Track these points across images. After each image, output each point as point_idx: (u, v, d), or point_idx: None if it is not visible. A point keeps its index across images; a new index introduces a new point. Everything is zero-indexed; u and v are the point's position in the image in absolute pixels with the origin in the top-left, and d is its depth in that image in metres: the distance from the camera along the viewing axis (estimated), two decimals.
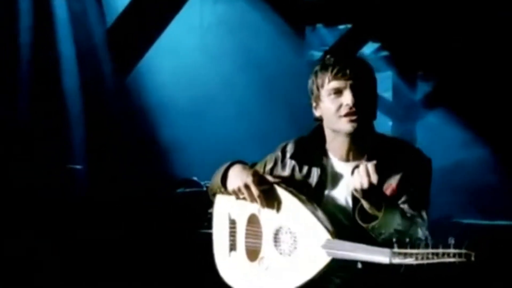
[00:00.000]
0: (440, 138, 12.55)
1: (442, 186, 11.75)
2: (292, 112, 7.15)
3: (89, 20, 6.29)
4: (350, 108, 2.67)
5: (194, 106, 7.80)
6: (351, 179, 2.57)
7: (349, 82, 2.68)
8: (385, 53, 12.94)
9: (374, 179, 2.50)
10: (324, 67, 2.73)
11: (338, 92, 2.70)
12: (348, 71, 2.68)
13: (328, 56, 2.79)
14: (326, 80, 2.71)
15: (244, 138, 7.28)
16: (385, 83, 13.61)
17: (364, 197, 2.56)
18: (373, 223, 2.55)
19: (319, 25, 11.36)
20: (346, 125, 2.70)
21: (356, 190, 2.55)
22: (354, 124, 2.69)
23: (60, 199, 5.80)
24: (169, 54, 7.37)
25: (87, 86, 6.24)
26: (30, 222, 5.67)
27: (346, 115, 2.69)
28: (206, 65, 7.82)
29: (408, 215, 2.64)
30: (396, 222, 2.57)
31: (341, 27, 11.29)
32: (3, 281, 5.22)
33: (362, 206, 2.59)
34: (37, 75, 5.98)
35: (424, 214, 2.75)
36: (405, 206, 2.72)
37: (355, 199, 2.70)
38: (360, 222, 2.59)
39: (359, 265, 2.68)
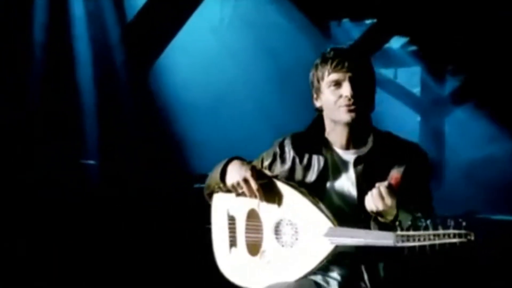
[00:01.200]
0: (468, 133, 12.48)
1: (470, 181, 11.71)
2: (311, 109, 7.12)
3: (105, 16, 6.30)
4: (349, 100, 2.75)
5: (212, 102, 7.81)
6: (366, 201, 2.61)
7: (348, 75, 2.76)
8: (413, 47, 12.86)
9: (388, 201, 2.56)
10: (324, 60, 2.82)
11: (337, 84, 2.78)
12: (346, 64, 2.76)
13: (328, 50, 2.87)
14: (326, 73, 2.80)
15: (262, 134, 7.28)
16: (414, 78, 13.54)
17: (379, 215, 2.61)
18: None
19: (345, 20, 11.33)
20: (345, 115, 2.78)
21: (372, 211, 2.60)
22: (353, 114, 2.77)
23: (72, 195, 5.82)
24: (188, 50, 7.37)
25: (101, 82, 6.25)
26: (40, 218, 5.71)
27: (345, 106, 2.77)
28: (225, 62, 7.81)
29: (418, 214, 2.62)
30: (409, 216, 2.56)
31: (368, 21, 11.22)
32: (14, 277, 5.25)
33: (376, 217, 2.63)
34: (51, 70, 6.00)
35: (431, 208, 2.81)
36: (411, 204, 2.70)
37: (359, 188, 2.76)
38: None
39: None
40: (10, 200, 5.63)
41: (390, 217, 2.59)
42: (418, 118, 13.42)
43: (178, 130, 7.29)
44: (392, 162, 2.77)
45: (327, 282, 2.80)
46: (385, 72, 13.52)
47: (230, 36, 8.01)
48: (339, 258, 2.76)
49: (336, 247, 2.68)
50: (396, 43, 12.82)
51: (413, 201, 2.66)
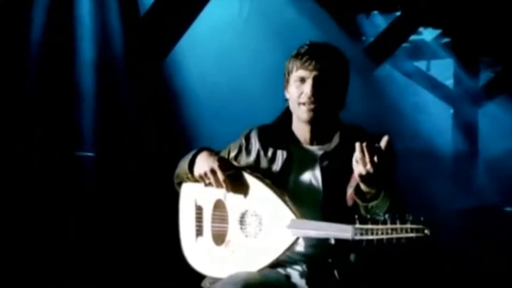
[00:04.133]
0: (501, 125, 12.35)
1: (503, 173, 11.59)
2: None
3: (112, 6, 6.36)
4: (309, 98, 2.79)
5: (225, 96, 7.80)
6: (354, 165, 2.57)
7: (313, 73, 2.78)
8: (446, 39, 12.74)
9: (382, 163, 2.53)
10: (297, 54, 2.84)
11: (302, 80, 2.81)
12: (314, 63, 2.78)
13: (305, 43, 2.88)
14: (295, 68, 2.83)
15: None
16: (447, 70, 13.42)
17: (366, 181, 2.57)
18: (372, 203, 2.60)
19: (374, 12, 11.25)
20: (303, 113, 2.82)
21: (360, 175, 2.56)
22: (311, 113, 2.80)
23: (68, 187, 5.88)
24: (204, 42, 7.38)
25: (101, 71, 6.30)
26: (38, 210, 5.78)
27: (305, 104, 2.80)
28: (240, 56, 7.81)
29: (395, 215, 2.63)
30: (387, 204, 2.61)
31: (398, 13, 11.12)
32: (14, 270, 5.33)
33: (359, 187, 2.62)
34: (49, 60, 6.06)
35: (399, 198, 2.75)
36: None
37: (325, 184, 2.80)
38: (359, 201, 2.62)
39: (332, 241, 2.76)
40: (7, 193, 5.70)
41: (373, 188, 2.57)
42: (451, 111, 13.28)
43: (189, 124, 7.31)
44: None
45: (290, 273, 2.83)
46: (418, 65, 13.43)
47: (247, 31, 7.98)
48: (304, 250, 2.81)
49: (298, 238, 2.74)
50: (429, 35, 12.72)
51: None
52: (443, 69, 13.53)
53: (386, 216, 2.45)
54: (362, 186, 2.59)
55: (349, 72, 2.89)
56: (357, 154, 2.54)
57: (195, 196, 3.03)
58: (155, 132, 6.23)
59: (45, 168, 5.89)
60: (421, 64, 13.65)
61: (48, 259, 5.54)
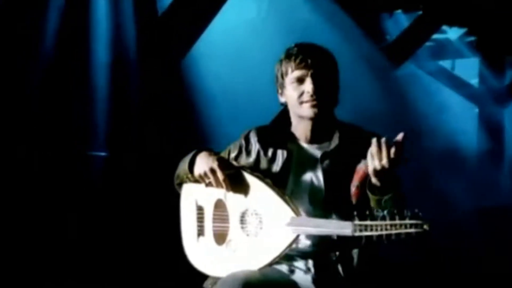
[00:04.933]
0: None
1: None
2: (355, 103, 7.06)
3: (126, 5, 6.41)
4: (311, 96, 2.82)
5: (241, 96, 7.79)
6: (369, 160, 2.57)
7: (310, 71, 2.83)
8: (471, 38, 12.66)
9: (396, 157, 2.54)
10: (288, 57, 2.88)
11: (300, 80, 2.86)
12: (309, 61, 2.83)
13: (292, 46, 2.93)
14: (290, 69, 2.87)
15: None
16: (472, 69, 13.34)
17: (380, 175, 2.58)
18: (386, 196, 2.61)
19: (397, 11, 11.20)
20: (307, 111, 2.85)
21: (375, 169, 2.56)
22: (315, 110, 2.84)
23: (79, 187, 5.92)
24: (222, 41, 7.36)
25: (115, 69, 6.34)
26: (48, 210, 5.82)
27: (307, 101, 2.84)
28: (257, 56, 7.79)
29: (394, 211, 2.63)
30: (400, 198, 2.65)
31: (420, 12, 11.05)
32: (21, 266, 5.37)
33: (371, 183, 2.62)
34: (63, 58, 6.10)
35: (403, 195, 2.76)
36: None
37: (326, 183, 2.84)
38: (373, 196, 2.63)
39: (335, 237, 2.78)
40: (17, 193, 5.75)
41: (386, 182, 2.58)
42: (476, 110, 13.20)
43: (205, 123, 7.30)
44: (358, 155, 2.77)
45: (293, 271, 2.86)
46: (443, 64, 13.36)
47: (265, 31, 7.95)
48: (307, 247, 2.84)
49: (298, 236, 2.76)
50: (453, 34, 12.64)
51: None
52: (468, 68, 13.44)
53: (385, 212, 2.48)
54: (374, 180, 2.60)
55: (338, 69, 2.94)
56: (372, 149, 2.55)
57: (196, 197, 3.05)
58: (169, 132, 6.25)
59: (56, 167, 5.92)
60: (446, 63, 13.57)
61: (49, 259, 5.61)
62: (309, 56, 2.83)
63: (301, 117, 2.89)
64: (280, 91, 2.96)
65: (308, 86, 2.82)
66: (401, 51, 10.55)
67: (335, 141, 2.87)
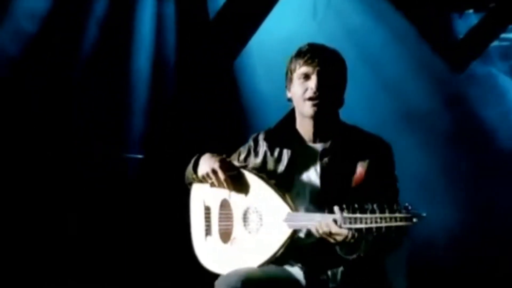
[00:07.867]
0: None
1: None
2: (402, 106, 7.03)
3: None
4: (314, 92, 2.89)
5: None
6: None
7: (317, 68, 2.90)
8: None
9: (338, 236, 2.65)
10: (298, 54, 2.98)
11: (306, 76, 2.93)
12: (317, 59, 2.91)
13: (304, 44, 3.02)
14: (298, 65, 2.95)
15: None
16: None
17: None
18: (355, 255, 2.72)
19: (468, 11, 11.01)
20: (309, 109, 2.92)
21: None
22: (315, 108, 2.91)
23: (116, 189, 6.05)
24: (275, 44, 7.30)
25: (155, 74, 6.48)
26: (85, 211, 5.98)
27: (310, 99, 2.90)
28: None
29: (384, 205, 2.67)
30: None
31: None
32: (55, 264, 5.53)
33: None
34: (105, 60, 6.25)
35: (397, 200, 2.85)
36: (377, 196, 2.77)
37: (323, 180, 2.91)
38: (344, 256, 2.74)
39: None
40: (55, 195, 5.92)
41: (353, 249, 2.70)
42: None
43: (255, 125, 7.24)
44: (356, 155, 2.90)
45: (292, 267, 2.93)
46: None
47: (320, 33, 7.83)
48: (303, 248, 2.91)
49: (295, 231, 2.84)
50: None
51: (378, 194, 2.76)
52: None
53: (375, 205, 2.51)
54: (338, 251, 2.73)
55: (347, 71, 3.00)
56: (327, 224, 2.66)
57: (203, 197, 3.17)
58: (220, 134, 6.30)
59: (94, 169, 6.08)
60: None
61: (52, 259, 5.73)
62: (317, 54, 2.91)
63: (303, 115, 2.96)
64: (288, 86, 3.02)
65: (312, 82, 2.89)
66: (467, 52, 10.36)
67: (336, 140, 2.94)
